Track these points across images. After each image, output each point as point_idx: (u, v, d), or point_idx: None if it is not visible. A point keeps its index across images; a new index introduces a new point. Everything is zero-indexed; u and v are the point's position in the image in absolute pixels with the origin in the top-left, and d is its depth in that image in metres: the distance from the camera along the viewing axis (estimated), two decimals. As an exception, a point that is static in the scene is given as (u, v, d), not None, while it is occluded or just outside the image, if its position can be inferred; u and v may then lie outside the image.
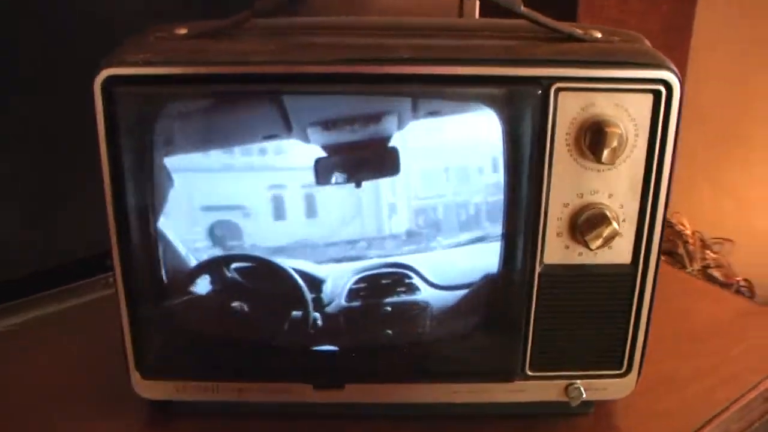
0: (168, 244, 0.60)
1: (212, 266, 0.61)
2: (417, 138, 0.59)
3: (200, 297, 0.62)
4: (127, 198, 0.60)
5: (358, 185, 0.59)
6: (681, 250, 1.86)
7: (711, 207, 1.93)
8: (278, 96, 0.57)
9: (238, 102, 0.58)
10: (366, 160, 0.59)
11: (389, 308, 0.62)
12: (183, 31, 0.63)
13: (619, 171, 0.61)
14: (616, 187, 0.61)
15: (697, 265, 1.84)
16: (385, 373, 0.66)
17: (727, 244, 1.90)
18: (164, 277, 0.62)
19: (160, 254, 0.61)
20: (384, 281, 0.61)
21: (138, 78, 0.58)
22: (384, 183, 0.59)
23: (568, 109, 0.59)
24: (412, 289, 0.62)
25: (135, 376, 0.67)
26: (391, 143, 0.58)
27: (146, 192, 0.60)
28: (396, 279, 0.61)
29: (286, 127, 0.57)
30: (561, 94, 0.59)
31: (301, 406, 0.68)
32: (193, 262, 0.61)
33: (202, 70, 0.58)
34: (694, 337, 0.80)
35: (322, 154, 0.58)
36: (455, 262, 0.62)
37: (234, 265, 0.61)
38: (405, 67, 0.58)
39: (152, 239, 0.61)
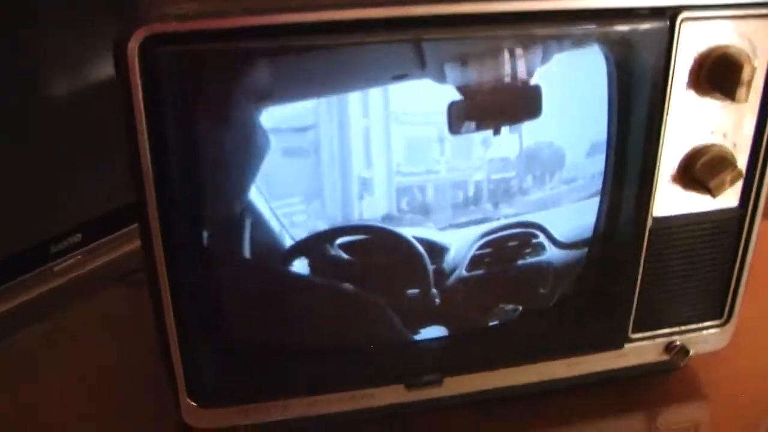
0: (259, 221, 0.48)
1: (315, 244, 0.49)
2: (557, 74, 0.49)
3: (296, 284, 0.50)
4: (176, 183, 0.47)
5: (497, 132, 0.48)
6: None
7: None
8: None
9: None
10: (506, 101, 0.48)
11: (514, 273, 0.54)
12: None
13: (737, 107, 0.54)
14: (732, 125, 0.55)
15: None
16: (488, 360, 0.57)
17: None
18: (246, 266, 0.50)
19: (245, 236, 0.48)
20: (511, 243, 0.52)
21: (189, 35, 0.44)
22: (522, 128, 0.49)
23: (692, 43, 0.52)
24: (539, 249, 0.53)
25: (187, 404, 0.54)
26: (534, 80, 0.48)
27: (220, 166, 0.48)
28: (524, 239, 0.52)
29: (420, 63, 0.46)
30: (685, 25, 0.51)
31: (376, 409, 0.59)
32: (289, 242, 0.49)
33: (275, 19, 0.45)
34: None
35: (457, 96, 0.47)
36: (577, 217, 0.54)
37: (340, 240, 0.49)
38: (513, 3, 0.48)
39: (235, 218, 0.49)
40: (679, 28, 0.51)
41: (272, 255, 0.49)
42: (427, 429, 0.60)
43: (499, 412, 0.61)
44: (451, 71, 0.46)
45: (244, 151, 0.47)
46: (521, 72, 0.48)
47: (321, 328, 0.53)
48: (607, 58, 0.51)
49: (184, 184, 0.47)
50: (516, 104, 0.49)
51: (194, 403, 0.54)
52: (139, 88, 0.45)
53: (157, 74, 0.44)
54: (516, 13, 0.48)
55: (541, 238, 0.53)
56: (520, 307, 0.57)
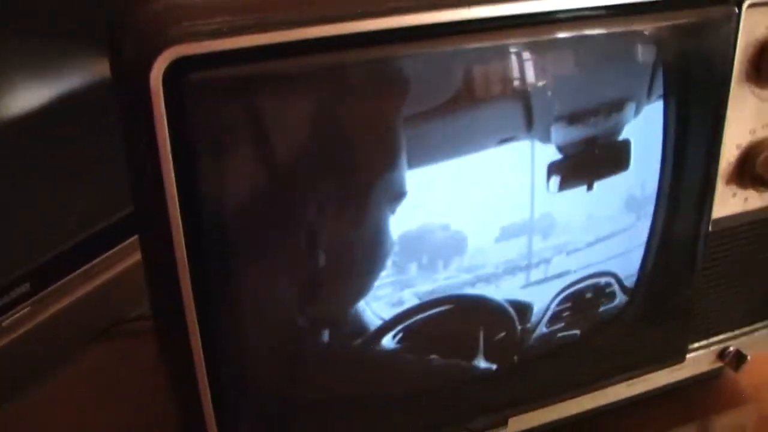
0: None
1: (401, 320, 0.42)
2: (645, 125, 0.45)
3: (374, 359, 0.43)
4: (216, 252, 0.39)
5: (590, 188, 0.44)
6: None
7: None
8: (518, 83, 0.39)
9: (466, 97, 0.38)
10: (599, 157, 0.45)
11: (588, 324, 0.49)
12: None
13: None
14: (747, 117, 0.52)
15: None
16: (550, 391, 0.52)
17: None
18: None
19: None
20: (588, 295, 0.47)
21: (231, 56, 0.36)
22: (611, 181, 0.45)
23: (753, 30, 0.48)
24: (612, 297, 0.49)
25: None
26: (624, 135, 0.45)
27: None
28: (599, 289, 0.48)
29: (527, 125, 0.40)
30: (749, 12, 0.47)
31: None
32: (374, 320, 0.42)
33: (342, 27, 0.37)
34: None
35: (557, 156, 0.42)
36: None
37: (426, 314, 0.42)
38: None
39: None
40: (744, 15, 0.47)
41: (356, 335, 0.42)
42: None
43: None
44: (557, 130, 0.41)
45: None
46: (615, 128, 0.44)
47: (382, 386, 0.46)
48: (662, 56, 0.46)
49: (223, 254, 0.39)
50: (610, 159, 0.45)
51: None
52: (166, 129, 0.37)
53: (188, 109, 0.36)
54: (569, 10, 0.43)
55: (615, 285, 0.48)
56: (578, 332, 0.51)
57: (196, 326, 0.41)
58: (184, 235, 0.38)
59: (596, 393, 0.54)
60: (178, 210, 0.38)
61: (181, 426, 0.46)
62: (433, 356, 0.44)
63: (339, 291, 0.40)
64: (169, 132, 0.37)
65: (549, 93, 0.41)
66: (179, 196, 0.38)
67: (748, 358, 0.58)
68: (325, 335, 0.41)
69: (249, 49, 0.36)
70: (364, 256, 0.39)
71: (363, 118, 0.38)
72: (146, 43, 0.36)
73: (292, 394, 0.44)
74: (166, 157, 0.37)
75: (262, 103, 0.37)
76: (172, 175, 0.37)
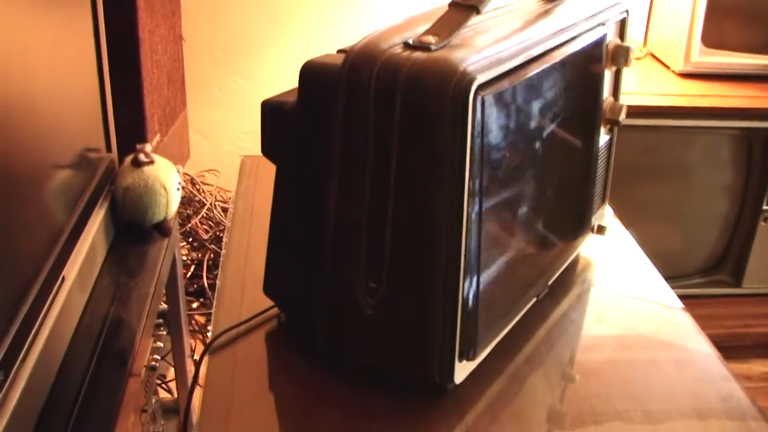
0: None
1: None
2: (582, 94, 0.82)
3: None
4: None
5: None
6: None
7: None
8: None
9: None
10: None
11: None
12: (433, 38, 0.66)
13: (609, 74, 0.93)
14: (609, 85, 0.94)
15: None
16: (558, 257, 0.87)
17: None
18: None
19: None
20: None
21: (494, 78, 0.66)
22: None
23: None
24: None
25: (459, 365, 0.71)
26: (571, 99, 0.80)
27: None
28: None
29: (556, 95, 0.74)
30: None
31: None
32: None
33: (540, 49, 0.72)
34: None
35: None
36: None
37: None
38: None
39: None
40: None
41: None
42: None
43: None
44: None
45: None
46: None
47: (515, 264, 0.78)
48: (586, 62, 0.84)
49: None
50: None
51: (461, 361, 0.71)
52: (470, 126, 0.63)
53: (483, 112, 0.63)
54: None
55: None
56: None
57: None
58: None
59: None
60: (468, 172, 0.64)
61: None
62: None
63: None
64: (472, 137, 0.63)
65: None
66: (470, 167, 0.64)
67: (607, 228, 1.00)
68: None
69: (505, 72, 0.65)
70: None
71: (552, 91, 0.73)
72: (460, 78, 0.61)
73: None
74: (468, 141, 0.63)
75: (520, 97, 0.67)
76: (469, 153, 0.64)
